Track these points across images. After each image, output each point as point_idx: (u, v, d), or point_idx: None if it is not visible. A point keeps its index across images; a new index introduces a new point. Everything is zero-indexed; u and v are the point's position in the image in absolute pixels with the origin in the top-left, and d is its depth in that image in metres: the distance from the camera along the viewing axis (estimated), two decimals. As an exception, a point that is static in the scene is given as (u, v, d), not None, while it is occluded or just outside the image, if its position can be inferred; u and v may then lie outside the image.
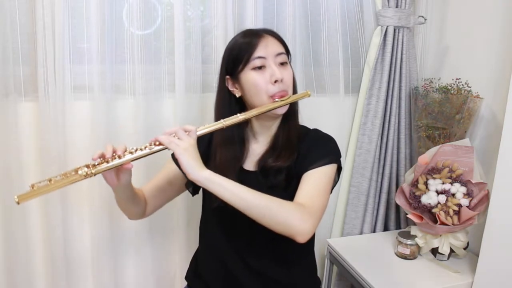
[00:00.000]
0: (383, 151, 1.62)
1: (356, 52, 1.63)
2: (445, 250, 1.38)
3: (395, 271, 1.36)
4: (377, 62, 1.56)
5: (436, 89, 1.50)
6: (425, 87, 1.52)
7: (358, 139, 1.61)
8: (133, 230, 1.45)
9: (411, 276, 1.33)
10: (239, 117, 0.95)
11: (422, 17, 1.58)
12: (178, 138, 0.88)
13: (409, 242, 1.41)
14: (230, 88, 1.04)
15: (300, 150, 1.03)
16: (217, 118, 1.02)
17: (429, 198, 1.35)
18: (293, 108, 1.05)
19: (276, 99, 0.97)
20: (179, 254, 1.50)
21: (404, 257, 1.42)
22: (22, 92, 1.26)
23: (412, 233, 1.44)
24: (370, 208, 1.63)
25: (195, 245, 1.22)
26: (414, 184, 1.42)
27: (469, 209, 1.30)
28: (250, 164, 1.07)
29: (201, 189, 1.14)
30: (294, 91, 1.05)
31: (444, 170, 1.37)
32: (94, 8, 1.25)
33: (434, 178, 1.38)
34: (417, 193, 1.40)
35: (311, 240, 1.11)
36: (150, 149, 0.89)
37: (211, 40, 1.42)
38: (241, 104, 1.05)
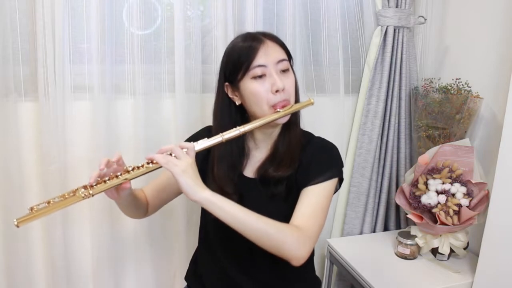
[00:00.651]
0: (383, 151, 1.62)
1: (356, 52, 1.63)
2: (445, 250, 1.38)
3: (395, 271, 1.36)
4: (377, 62, 1.56)
5: (436, 89, 1.50)
6: (425, 87, 1.52)
7: (358, 139, 1.61)
8: (133, 230, 1.45)
9: (411, 276, 1.33)
10: (239, 131, 0.91)
11: (422, 17, 1.58)
12: (175, 157, 0.85)
13: (409, 242, 1.41)
14: (230, 95, 1.00)
15: (302, 159, 1.00)
16: (216, 126, 1.01)
17: (429, 198, 1.35)
18: (294, 115, 1.02)
19: (278, 109, 0.94)
20: (179, 254, 1.50)
21: (404, 257, 1.42)
22: (22, 92, 1.26)
23: (412, 233, 1.44)
24: (370, 208, 1.63)
25: (195, 245, 1.22)
26: (414, 184, 1.42)
27: (469, 209, 1.30)
28: (250, 171, 1.05)
29: None
30: (297, 98, 1.00)
31: (444, 170, 1.37)
32: (94, 8, 1.25)
33: (434, 178, 1.38)
34: (417, 193, 1.40)
35: None
36: (147, 168, 0.87)
37: (211, 40, 1.42)
38: (242, 111, 1.01)
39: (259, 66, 0.93)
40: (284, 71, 0.96)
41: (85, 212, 1.38)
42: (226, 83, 1.00)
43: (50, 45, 1.21)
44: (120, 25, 1.32)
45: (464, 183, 1.35)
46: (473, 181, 1.34)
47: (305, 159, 1.00)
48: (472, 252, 1.43)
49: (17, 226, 0.82)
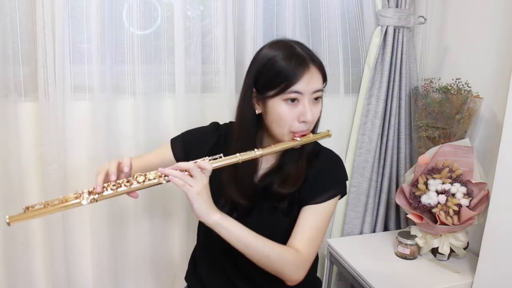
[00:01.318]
0: (383, 151, 1.62)
1: (356, 52, 1.63)
2: (445, 250, 1.38)
3: (395, 271, 1.36)
4: (377, 62, 1.56)
5: (436, 89, 1.50)
6: (425, 87, 1.52)
7: (358, 139, 1.61)
8: (133, 231, 1.45)
9: (411, 276, 1.33)
10: (256, 153, 0.90)
11: (422, 17, 1.58)
12: (191, 175, 0.84)
13: (409, 242, 1.41)
14: (253, 101, 0.95)
15: (307, 174, 0.98)
16: (238, 130, 0.98)
17: (429, 198, 1.35)
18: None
19: (297, 138, 0.92)
20: (179, 254, 1.50)
21: (404, 257, 1.42)
22: (22, 92, 1.26)
23: (412, 233, 1.44)
24: (370, 208, 1.63)
25: (194, 243, 1.22)
26: (414, 184, 1.42)
27: (469, 209, 1.30)
28: (255, 177, 1.03)
29: None
30: (317, 123, 0.97)
31: (444, 170, 1.37)
32: (94, 8, 1.24)
33: (434, 178, 1.38)
34: (417, 193, 1.40)
35: None
36: (159, 181, 0.85)
37: (211, 40, 1.42)
38: (259, 118, 0.97)
39: (296, 92, 0.88)
40: (317, 99, 0.92)
41: (85, 213, 1.38)
42: (254, 90, 0.94)
43: (50, 45, 1.21)
44: (120, 25, 1.32)
45: (464, 183, 1.35)
46: (473, 181, 1.34)
47: (310, 174, 0.98)
48: (472, 252, 1.43)
49: (8, 224, 0.77)
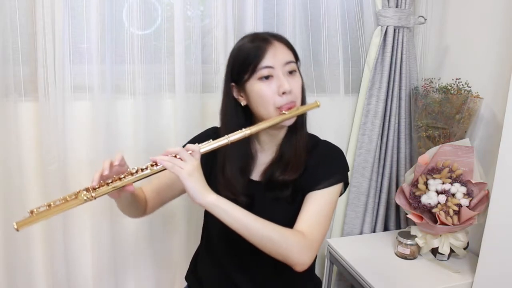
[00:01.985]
0: (383, 151, 1.62)
1: (356, 52, 1.63)
2: (445, 250, 1.38)
3: (395, 271, 1.36)
4: (377, 62, 1.56)
5: (436, 89, 1.50)
6: (425, 87, 1.52)
7: (358, 139, 1.61)
8: (133, 231, 1.45)
9: (411, 276, 1.33)
10: (244, 132, 0.90)
11: (422, 17, 1.58)
12: (181, 159, 0.84)
13: (409, 242, 1.41)
14: (235, 95, 0.99)
15: (308, 163, 0.99)
16: (223, 125, 1.00)
17: (429, 198, 1.35)
18: (301, 118, 1.01)
19: (284, 111, 0.93)
20: (179, 254, 1.50)
21: (404, 257, 1.42)
22: (22, 92, 1.26)
23: (412, 233, 1.44)
24: (370, 208, 1.63)
25: (195, 245, 1.22)
26: (414, 184, 1.42)
27: (469, 209, 1.30)
28: (256, 174, 1.04)
29: None
30: (303, 100, 0.99)
31: (444, 170, 1.37)
32: (94, 8, 1.25)
33: (434, 178, 1.38)
34: (417, 193, 1.40)
35: None
36: (151, 170, 0.86)
37: (211, 40, 1.42)
38: (247, 112, 1.00)
39: (266, 67, 0.92)
40: (291, 72, 0.95)
41: (85, 212, 1.38)
42: (232, 84, 0.99)
43: (50, 45, 1.21)
44: (120, 25, 1.32)
45: (464, 183, 1.35)
46: (473, 181, 1.34)
47: (311, 163, 1.00)
48: (472, 252, 1.43)
49: (17, 230, 0.80)
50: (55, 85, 1.24)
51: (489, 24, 1.44)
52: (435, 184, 1.36)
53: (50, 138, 1.27)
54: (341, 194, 1.04)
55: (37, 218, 0.82)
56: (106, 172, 0.87)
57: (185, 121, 1.40)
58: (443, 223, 1.31)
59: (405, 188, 1.45)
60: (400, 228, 1.67)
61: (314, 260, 1.14)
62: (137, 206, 1.05)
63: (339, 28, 1.55)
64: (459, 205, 1.31)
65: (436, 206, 1.33)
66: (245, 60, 0.93)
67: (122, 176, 0.87)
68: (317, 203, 0.95)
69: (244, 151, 1.02)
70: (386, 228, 1.69)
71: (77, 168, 1.33)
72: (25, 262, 1.34)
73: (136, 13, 1.30)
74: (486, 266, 1.21)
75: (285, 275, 1.06)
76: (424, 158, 1.41)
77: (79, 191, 0.85)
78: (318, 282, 1.20)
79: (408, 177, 1.49)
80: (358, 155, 1.61)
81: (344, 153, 1.65)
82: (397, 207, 1.66)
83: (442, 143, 1.41)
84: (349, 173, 1.57)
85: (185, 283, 1.22)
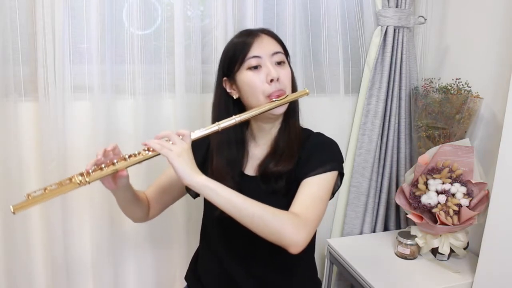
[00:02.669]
0: (383, 151, 1.62)
1: (356, 52, 1.63)
2: (445, 250, 1.38)
3: (395, 271, 1.36)
4: (377, 62, 1.56)
5: (436, 89, 1.50)
6: (425, 87, 1.52)
7: (358, 139, 1.61)
8: (133, 230, 1.45)
9: (411, 276, 1.33)
10: (234, 120, 0.92)
11: (422, 17, 1.58)
12: (172, 143, 0.86)
13: (409, 242, 1.41)
14: (228, 90, 1.02)
15: (301, 154, 1.01)
16: (214, 121, 1.01)
17: (429, 198, 1.35)
18: (292, 108, 1.03)
19: (273, 99, 0.95)
20: (179, 254, 1.50)
21: (404, 257, 1.42)
22: (22, 92, 1.26)
23: (412, 233, 1.44)
24: (370, 208, 1.63)
25: (195, 245, 1.22)
26: (414, 184, 1.42)
27: (469, 209, 1.30)
28: (250, 169, 1.05)
29: None
30: (294, 91, 1.02)
31: (444, 170, 1.37)
32: (94, 8, 1.24)
33: (434, 178, 1.38)
34: (417, 193, 1.40)
35: (311, 242, 1.10)
36: (143, 155, 0.88)
37: (211, 40, 1.42)
38: (240, 106, 1.03)
39: (254, 57, 0.96)
40: (280, 63, 0.98)
41: (85, 211, 1.38)
42: (224, 78, 1.02)
43: (50, 45, 1.21)
44: (120, 25, 1.32)
45: (464, 183, 1.35)
46: (473, 181, 1.34)
47: (304, 154, 1.01)
48: (472, 252, 1.43)
49: (13, 213, 0.81)
50: (55, 85, 1.24)
51: (489, 24, 1.44)
52: (435, 184, 1.36)
53: (50, 138, 1.27)
54: (338, 188, 1.04)
55: (34, 201, 0.83)
56: (99, 157, 0.88)
57: (185, 121, 1.40)
58: (443, 223, 1.31)
59: (405, 188, 1.45)
60: (400, 228, 1.67)
61: (313, 258, 1.14)
62: (137, 205, 1.05)
63: (339, 28, 1.55)
64: (459, 205, 1.31)
65: (436, 206, 1.33)
66: (234, 53, 0.98)
67: (115, 161, 0.88)
68: (311, 187, 0.95)
69: (235, 145, 1.03)
70: (386, 228, 1.69)
71: (77, 168, 1.31)
72: (24, 256, 1.33)
73: (136, 13, 1.30)
74: (486, 266, 1.21)
75: (284, 274, 1.06)
76: (424, 158, 1.41)
77: (73, 176, 0.85)
78: (318, 282, 1.20)
79: (408, 177, 1.49)
80: (358, 155, 1.61)
81: (344, 153, 1.67)
82: (397, 207, 1.66)
83: (442, 143, 1.41)
84: (348, 173, 1.63)
85: (185, 283, 1.22)
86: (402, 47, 1.56)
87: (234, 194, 0.86)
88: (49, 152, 1.28)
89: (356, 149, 1.62)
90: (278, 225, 0.86)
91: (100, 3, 1.25)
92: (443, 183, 1.35)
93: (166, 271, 1.53)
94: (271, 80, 0.95)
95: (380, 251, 1.49)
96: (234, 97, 1.01)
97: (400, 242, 1.42)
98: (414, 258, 1.42)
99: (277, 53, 0.98)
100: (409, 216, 1.42)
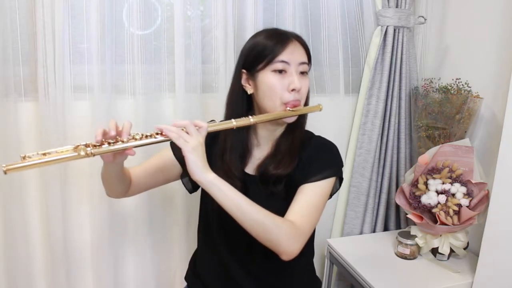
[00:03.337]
0: (383, 151, 1.62)
1: (356, 52, 1.63)
2: (445, 250, 1.38)
3: (395, 271, 1.36)
4: (377, 62, 1.56)
5: (436, 89, 1.50)
6: (425, 87, 1.52)
7: (358, 139, 1.61)
8: (133, 229, 1.45)
9: (411, 276, 1.33)
10: (250, 120, 0.92)
11: (422, 17, 1.58)
12: (187, 133, 0.85)
13: (409, 242, 1.41)
14: (243, 83, 1.00)
15: (301, 157, 1.01)
16: (227, 112, 1.02)
17: (429, 198, 1.35)
18: (303, 118, 1.03)
19: (288, 108, 0.95)
20: (179, 254, 1.50)
21: (404, 257, 1.42)
22: (22, 92, 1.26)
23: (412, 233, 1.44)
24: (370, 208, 1.63)
25: (195, 245, 1.22)
26: (414, 184, 1.42)
27: (469, 209, 1.30)
28: (251, 168, 1.05)
29: (200, 188, 1.13)
30: (307, 102, 1.02)
31: (444, 170, 1.37)
32: (94, 8, 1.24)
33: (434, 178, 1.38)
34: (417, 193, 1.40)
35: (311, 242, 1.11)
36: (155, 137, 0.86)
37: (211, 40, 1.42)
38: (249, 102, 1.02)
39: (283, 61, 0.94)
40: (303, 73, 0.98)
41: (85, 210, 1.38)
42: (243, 70, 1.00)
43: (50, 45, 1.21)
44: (120, 25, 1.32)
45: (464, 183, 1.35)
46: (473, 181, 1.34)
47: (304, 157, 1.01)
48: (472, 252, 1.43)
49: (5, 172, 0.73)
50: (55, 85, 1.24)
51: (489, 24, 1.44)
52: (435, 184, 1.36)
53: (50, 138, 1.27)
54: (336, 190, 1.05)
55: (28, 165, 0.76)
56: (113, 133, 0.84)
57: (185, 121, 1.40)
58: (443, 223, 1.31)
59: (405, 188, 1.45)
60: (400, 228, 1.67)
61: (312, 258, 1.14)
62: (122, 182, 1.02)
63: (339, 28, 1.55)
64: (459, 205, 1.31)
65: (436, 206, 1.33)
66: (263, 50, 0.95)
67: (125, 139, 0.84)
68: (309, 195, 0.96)
69: (244, 140, 1.03)
70: (386, 228, 1.69)
71: (77, 168, 1.33)
72: (25, 258, 1.33)
73: (136, 13, 1.30)
74: (486, 266, 1.21)
75: (284, 274, 1.06)
76: (424, 158, 1.41)
77: (78, 145, 0.80)
78: (318, 282, 1.20)
79: (408, 177, 1.49)
80: (358, 155, 1.61)
81: (344, 153, 1.67)
82: (397, 207, 1.66)
83: (442, 143, 1.41)
84: (348, 173, 1.63)
85: (185, 283, 1.22)
86: (402, 47, 1.56)
87: (239, 196, 0.86)
88: (49, 152, 1.27)
89: (356, 149, 1.62)
90: (276, 234, 0.88)
91: (100, 3, 1.25)
92: (443, 183, 1.35)
93: (166, 271, 1.53)
94: (293, 90, 0.94)
95: (380, 251, 1.49)
96: (248, 92, 1.00)
97: (400, 242, 1.42)
98: (414, 258, 1.42)
99: (304, 63, 0.97)
100: (409, 216, 1.42)
